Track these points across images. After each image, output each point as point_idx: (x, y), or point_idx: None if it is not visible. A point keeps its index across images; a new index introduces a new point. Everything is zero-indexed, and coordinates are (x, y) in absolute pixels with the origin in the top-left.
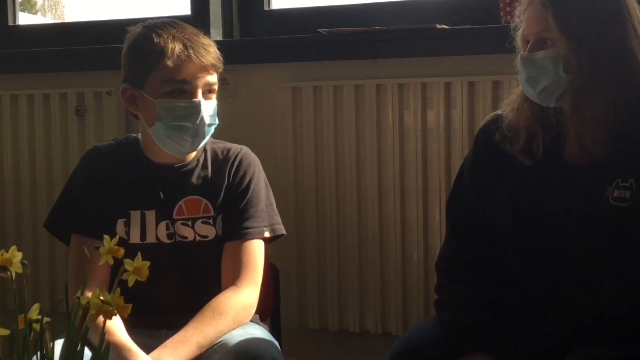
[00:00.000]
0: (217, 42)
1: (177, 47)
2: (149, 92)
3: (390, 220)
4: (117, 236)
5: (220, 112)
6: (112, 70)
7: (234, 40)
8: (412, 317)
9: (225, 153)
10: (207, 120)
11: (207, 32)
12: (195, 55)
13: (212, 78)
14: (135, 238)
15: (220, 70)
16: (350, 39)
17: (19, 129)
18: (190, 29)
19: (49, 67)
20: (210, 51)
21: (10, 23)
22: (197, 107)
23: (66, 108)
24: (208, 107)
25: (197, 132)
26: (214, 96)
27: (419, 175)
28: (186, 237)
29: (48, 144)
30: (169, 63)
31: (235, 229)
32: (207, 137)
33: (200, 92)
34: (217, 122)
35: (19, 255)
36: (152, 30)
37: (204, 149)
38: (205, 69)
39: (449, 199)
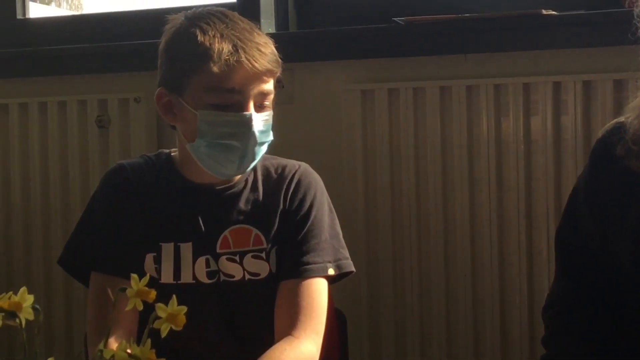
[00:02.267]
0: (269, 36)
1: (226, 49)
2: (190, 101)
3: (485, 255)
4: (148, 275)
5: (274, 121)
6: (142, 72)
7: (290, 32)
8: None
9: (279, 172)
10: (259, 139)
11: (256, 24)
12: (247, 59)
13: (268, 86)
14: (167, 277)
15: (278, 75)
16: (434, 30)
17: (29, 144)
18: (243, 24)
19: (65, 69)
20: (265, 53)
21: (19, 16)
22: (247, 123)
23: (85, 118)
24: (261, 122)
25: (246, 153)
26: (268, 107)
27: (521, 198)
28: (232, 276)
29: (63, 162)
30: (215, 68)
31: (293, 265)
32: (258, 159)
33: (252, 104)
34: (271, 138)
35: (29, 299)
36: (195, 24)
37: (254, 167)
38: (258, 77)
39: (559, 228)
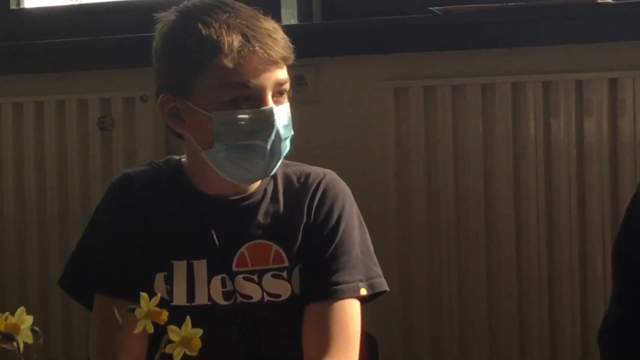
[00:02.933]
0: (291, 28)
1: (236, 40)
2: (200, 103)
3: (532, 272)
4: (159, 295)
5: (296, 122)
6: (148, 68)
7: (314, 24)
8: None
9: (303, 180)
10: (282, 134)
11: (276, 15)
12: (261, 48)
13: (283, 74)
14: (180, 298)
15: (291, 61)
16: (476, 20)
17: (23, 149)
18: (245, 9)
19: (64, 64)
20: (277, 39)
21: (13, 6)
22: (269, 118)
23: (86, 120)
24: (282, 116)
25: (273, 152)
26: (286, 99)
27: (573, 208)
28: (250, 297)
29: (62, 169)
30: (227, 62)
31: (320, 285)
32: (283, 157)
33: (270, 96)
34: (292, 133)
35: (28, 320)
36: (195, 17)
37: (273, 175)
38: (274, 64)
39: (617, 240)
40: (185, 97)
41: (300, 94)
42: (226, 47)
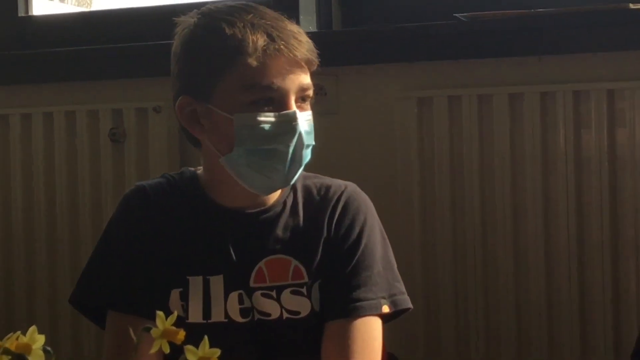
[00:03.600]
0: (310, 35)
1: (261, 39)
2: (221, 106)
3: (562, 291)
4: (175, 313)
5: (315, 133)
6: (161, 78)
7: (334, 31)
8: None
9: (323, 193)
10: (305, 140)
11: (294, 21)
12: (286, 47)
13: (307, 79)
14: (196, 315)
15: (315, 66)
16: (503, 28)
17: (32, 161)
18: (269, 12)
19: (74, 74)
20: (302, 41)
21: (21, 13)
22: (292, 122)
23: (97, 131)
24: (305, 122)
25: (294, 158)
26: (309, 106)
27: (605, 224)
28: (269, 315)
29: (72, 182)
30: (252, 62)
31: (341, 301)
32: (304, 165)
33: (293, 100)
34: (314, 142)
35: (40, 340)
36: (218, 18)
37: (293, 187)
38: (298, 68)
39: None
40: (205, 99)
41: (319, 105)
42: (250, 45)
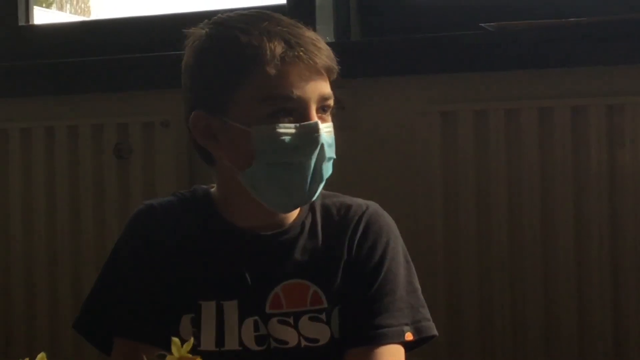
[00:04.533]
0: (328, 45)
1: (279, 47)
2: (238, 119)
3: (595, 322)
4: (191, 340)
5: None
6: (170, 91)
7: (352, 41)
8: None
9: (343, 213)
10: (327, 153)
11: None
12: (305, 54)
13: (327, 87)
14: (208, 343)
15: (335, 75)
16: (531, 38)
17: (32, 178)
18: (285, 19)
19: (77, 86)
20: (321, 47)
21: (21, 22)
22: (314, 133)
23: (101, 147)
24: (327, 133)
25: (315, 171)
26: (329, 117)
27: None
28: (286, 343)
29: (75, 202)
30: (271, 70)
31: (363, 328)
32: (325, 180)
33: (314, 110)
34: (335, 156)
35: None
36: (231, 26)
37: (311, 207)
38: (318, 74)
39: None
40: (221, 113)
41: (337, 119)
42: (268, 53)
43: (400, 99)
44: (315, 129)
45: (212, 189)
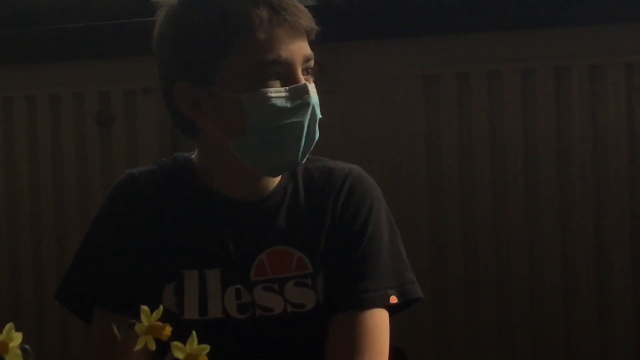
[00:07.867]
0: (308, 9)
1: (264, 12)
2: (227, 88)
3: (581, 281)
4: (161, 308)
5: None
6: (152, 58)
7: (334, 4)
8: None
9: (325, 177)
10: (317, 114)
11: None
12: (291, 17)
13: (309, 49)
14: (192, 312)
15: (314, 36)
16: None
17: (14, 147)
18: None
19: (57, 54)
20: (302, 9)
21: None
22: (304, 95)
23: (83, 115)
24: (314, 94)
25: (309, 131)
26: (312, 78)
27: (625, 207)
28: (271, 310)
29: (57, 171)
30: (260, 35)
31: (346, 293)
32: (314, 143)
33: (300, 72)
34: (321, 116)
35: (17, 338)
36: None
37: (292, 172)
38: (303, 38)
39: None
40: (208, 82)
41: (318, 83)
42: (256, 19)
43: (382, 63)
44: (305, 90)
45: (193, 156)
